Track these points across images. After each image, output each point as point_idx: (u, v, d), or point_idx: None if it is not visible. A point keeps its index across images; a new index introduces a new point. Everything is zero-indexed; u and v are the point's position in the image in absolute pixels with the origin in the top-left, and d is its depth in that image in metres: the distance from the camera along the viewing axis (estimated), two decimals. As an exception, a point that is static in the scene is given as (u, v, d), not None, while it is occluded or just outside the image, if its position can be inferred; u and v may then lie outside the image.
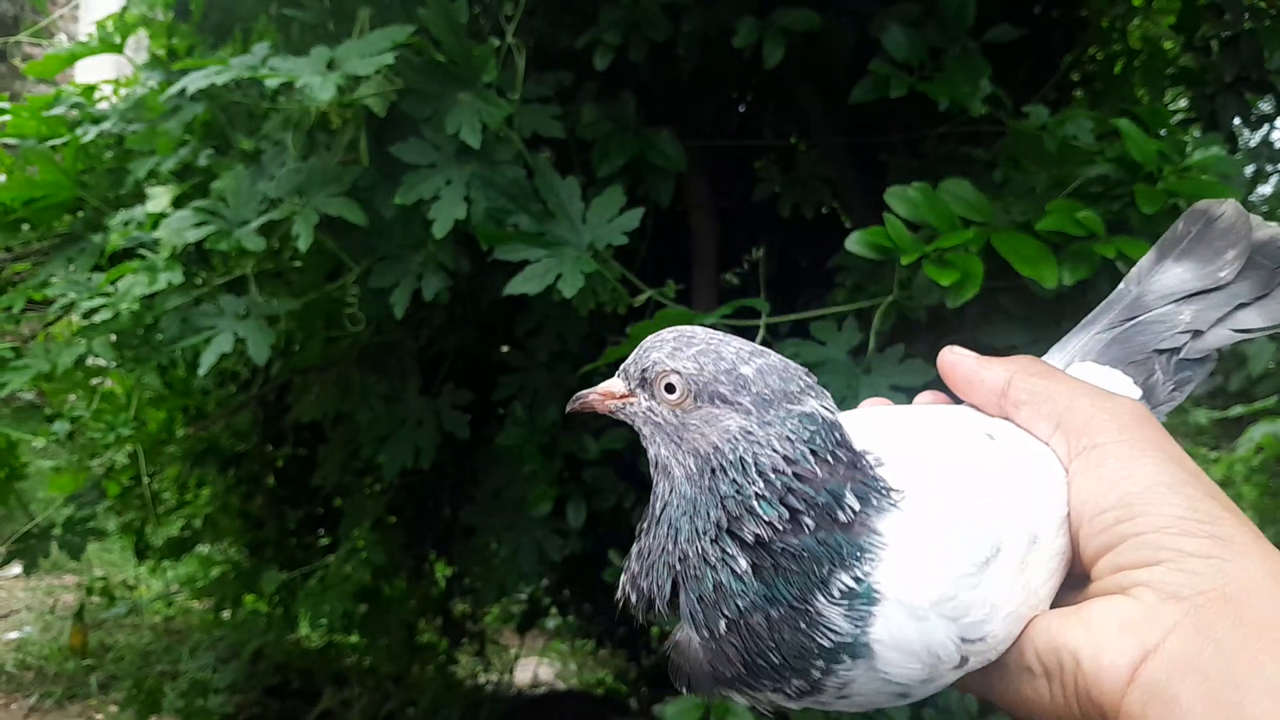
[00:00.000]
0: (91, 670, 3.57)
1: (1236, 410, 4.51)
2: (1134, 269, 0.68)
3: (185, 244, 1.74)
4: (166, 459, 2.74)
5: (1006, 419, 0.61)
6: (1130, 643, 0.48)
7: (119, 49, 2.17)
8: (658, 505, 0.57)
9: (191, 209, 1.76)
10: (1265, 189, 2.25)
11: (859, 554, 0.52)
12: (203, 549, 3.28)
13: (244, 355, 1.78)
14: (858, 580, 0.52)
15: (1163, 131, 1.64)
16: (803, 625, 0.51)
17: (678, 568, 0.55)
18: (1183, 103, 2.37)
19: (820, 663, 0.52)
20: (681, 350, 0.57)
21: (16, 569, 2.56)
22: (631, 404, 0.59)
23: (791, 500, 0.53)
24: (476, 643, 3.33)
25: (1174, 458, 0.54)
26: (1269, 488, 4.17)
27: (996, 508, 0.54)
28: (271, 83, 1.64)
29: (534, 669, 3.77)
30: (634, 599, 0.58)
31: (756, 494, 0.53)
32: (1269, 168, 2.20)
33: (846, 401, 1.59)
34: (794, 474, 0.53)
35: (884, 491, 0.54)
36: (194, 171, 1.97)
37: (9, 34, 2.69)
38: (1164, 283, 0.66)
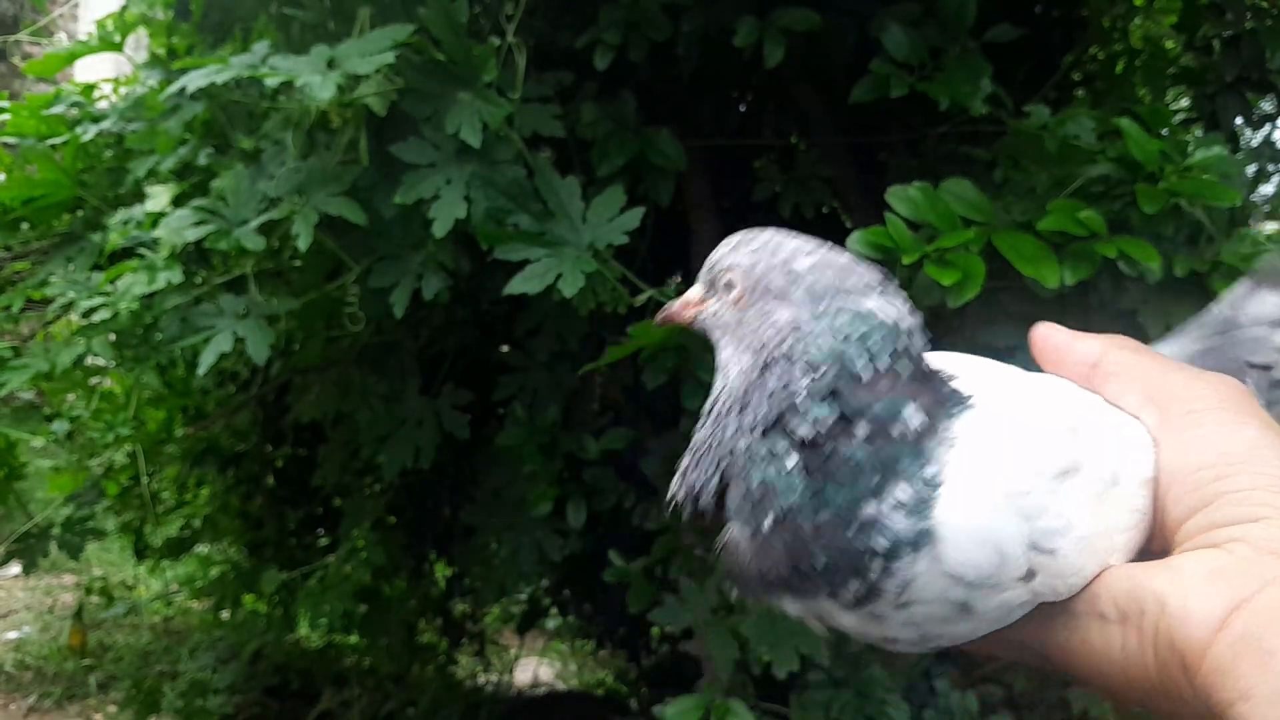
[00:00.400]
0: (91, 670, 3.57)
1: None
2: (1226, 294, 0.68)
3: (185, 243, 1.74)
4: (166, 459, 2.74)
5: (1095, 394, 0.59)
6: (1223, 590, 0.45)
7: (118, 48, 2.16)
8: (710, 404, 0.56)
9: (191, 208, 1.76)
10: (1267, 189, 2.25)
11: (921, 462, 0.50)
12: (202, 549, 3.28)
13: (244, 355, 1.78)
14: (917, 487, 0.49)
15: (1164, 131, 1.64)
16: (853, 531, 0.49)
17: (726, 461, 0.53)
18: (1184, 102, 2.37)
19: (878, 561, 0.49)
20: (742, 247, 0.57)
21: (15, 569, 2.56)
22: (704, 310, 0.59)
23: (844, 402, 0.50)
24: (476, 643, 3.32)
25: (1276, 428, 0.51)
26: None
27: (1078, 433, 0.52)
28: (271, 82, 1.63)
29: (534, 669, 3.76)
30: (682, 495, 0.56)
31: (805, 390, 0.51)
32: (1270, 167, 2.20)
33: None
34: (845, 373, 0.51)
35: (955, 400, 0.52)
36: (194, 171, 1.96)
37: (9, 33, 2.69)
38: (1259, 309, 0.65)
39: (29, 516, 2.33)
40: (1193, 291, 1.61)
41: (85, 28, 2.64)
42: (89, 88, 2.27)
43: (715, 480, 0.53)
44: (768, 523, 0.51)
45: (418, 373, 2.33)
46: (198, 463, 2.84)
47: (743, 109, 2.50)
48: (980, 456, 0.50)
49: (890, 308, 0.53)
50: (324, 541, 3.04)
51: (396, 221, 1.78)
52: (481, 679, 3.38)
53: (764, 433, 0.52)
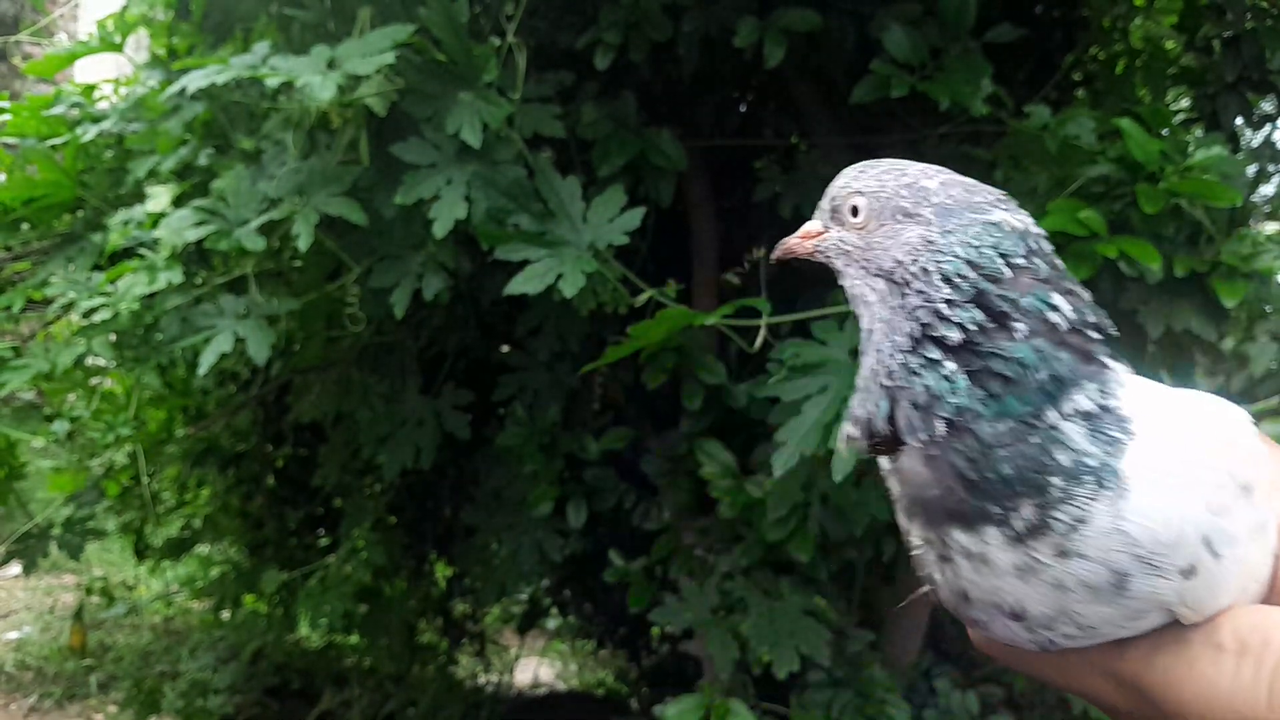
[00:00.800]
0: (91, 670, 3.57)
1: (1237, 411, 4.50)
2: None
3: (185, 243, 1.74)
4: (166, 459, 2.74)
5: None
6: None
7: (119, 48, 2.16)
8: (863, 336, 0.55)
9: (191, 208, 1.76)
10: (1267, 189, 2.25)
11: (1093, 381, 0.49)
12: (202, 549, 3.28)
13: (244, 355, 1.78)
14: (1096, 404, 0.48)
15: (1164, 131, 1.64)
16: (1034, 440, 0.48)
17: (889, 384, 0.52)
18: (1184, 102, 2.37)
19: (1059, 480, 0.48)
20: (866, 172, 0.57)
21: (16, 569, 2.57)
22: (826, 240, 0.59)
23: (989, 301, 0.50)
24: (477, 643, 3.32)
25: None
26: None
27: (1257, 462, 0.51)
28: (272, 82, 1.63)
29: (534, 669, 3.76)
30: (855, 431, 0.55)
31: (945, 299, 0.51)
32: (1270, 168, 2.20)
33: (849, 402, 1.59)
34: (983, 277, 0.51)
35: (1107, 328, 0.51)
36: (194, 171, 1.96)
37: (9, 33, 2.69)
38: None
39: (29, 516, 2.34)
40: (1193, 291, 1.61)
41: (85, 28, 2.64)
42: (89, 88, 2.27)
43: (886, 403, 0.52)
44: (940, 428, 0.50)
45: (418, 373, 2.33)
46: (198, 463, 2.84)
47: (743, 109, 2.50)
48: (1170, 431, 0.49)
49: (1017, 218, 0.53)
50: (324, 541, 3.04)
51: (397, 222, 1.78)
52: (482, 679, 3.38)
53: (913, 346, 0.51)
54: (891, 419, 0.52)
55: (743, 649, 1.90)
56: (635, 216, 1.73)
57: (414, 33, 1.67)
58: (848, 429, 0.55)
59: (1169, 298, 1.60)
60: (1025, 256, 0.52)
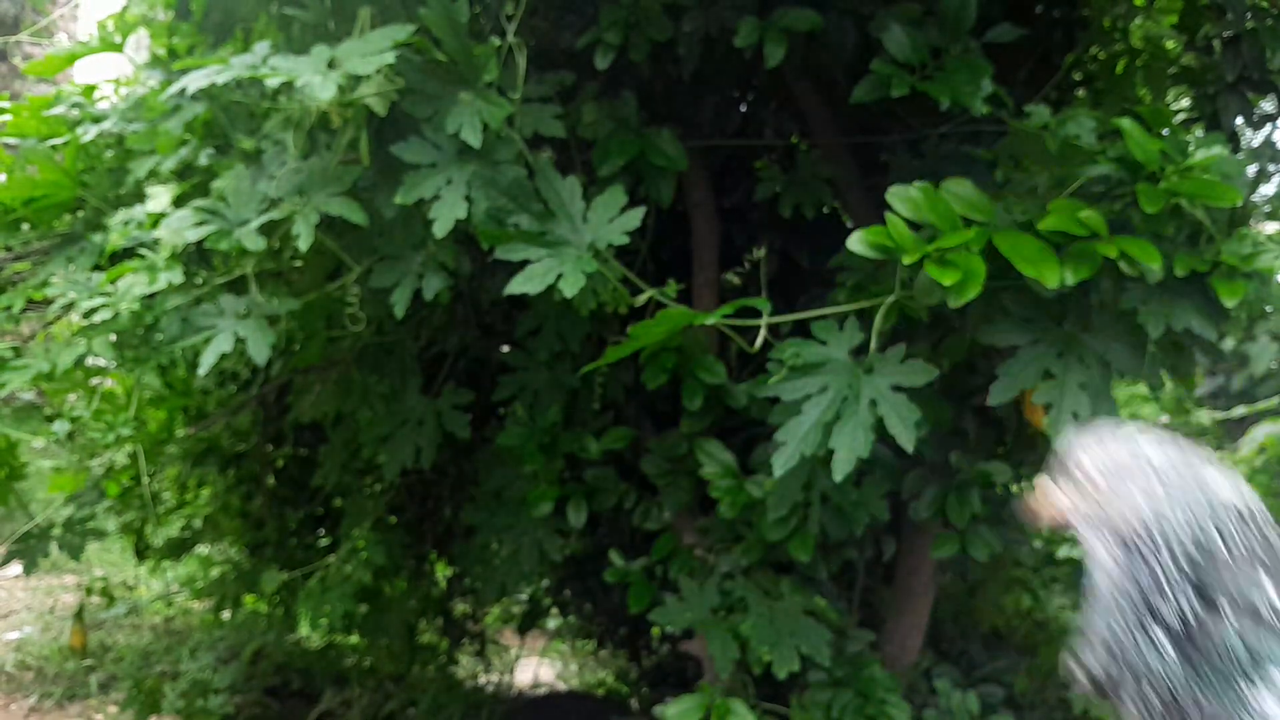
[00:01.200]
0: (91, 670, 3.57)
1: (1239, 411, 4.51)
2: None
3: (185, 244, 1.74)
4: (166, 459, 2.74)
5: None
6: None
7: (119, 48, 2.16)
8: (1095, 585, 0.61)
9: (192, 208, 1.76)
10: (1267, 189, 2.25)
11: None
12: (203, 549, 3.28)
13: (244, 355, 1.78)
14: None
15: (1165, 131, 1.64)
16: (1232, 709, 0.53)
17: (1112, 645, 0.59)
18: (1184, 102, 2.37)
19: None
20: (1090, 443, 0.65)
21: (16, 569, 2.56)
22: (1074, 509, 0.66)
23: (1206, 583, 0.55)
24: (477, 643, 3.33)
25: None
26: (1271, 488, 4.17)
27: None
28: (272, 82, 1.63)
29: (534, 669, 3.76)
30: (1083, 681, 0.62)
31: (1169, 578, 0.56)
32: (1271, 167, 2.20)
33: (849, 402, 1.59)
34: (1203, 557, 0.55)
35: None
36: (194, 171, 1.96)
37: (9, 34, 2.69)
38: None
39: (30, 517, 2.33)
40: (1193, 291, 1.61)
41: (85, 28, 2.64)
42: (89, 88, 2.27)
43: (1109, 662, 0.59)
44: (1158, 705, 0.56)
45: (418, 373, 2.33)
46: (198, 463, 2.84)
47: (743, 109, 2.50)
48: None
49: (1233, 485, 0.58)
50: (324, 541, 3.04)
51: (397, 221, 1.78)
52: (482, 679, 3.38)
53: (1140, 621, 0.57)
54: (1112, 676, 0.59)
55: (743, 649, 1.90)
56: (635, 216, 1.73)
57: (414, 33, 1.66)
58: (1079, 675, 0.62)
59: (1169, 297, 1.60)
60: (1242, 533, 0.56)
